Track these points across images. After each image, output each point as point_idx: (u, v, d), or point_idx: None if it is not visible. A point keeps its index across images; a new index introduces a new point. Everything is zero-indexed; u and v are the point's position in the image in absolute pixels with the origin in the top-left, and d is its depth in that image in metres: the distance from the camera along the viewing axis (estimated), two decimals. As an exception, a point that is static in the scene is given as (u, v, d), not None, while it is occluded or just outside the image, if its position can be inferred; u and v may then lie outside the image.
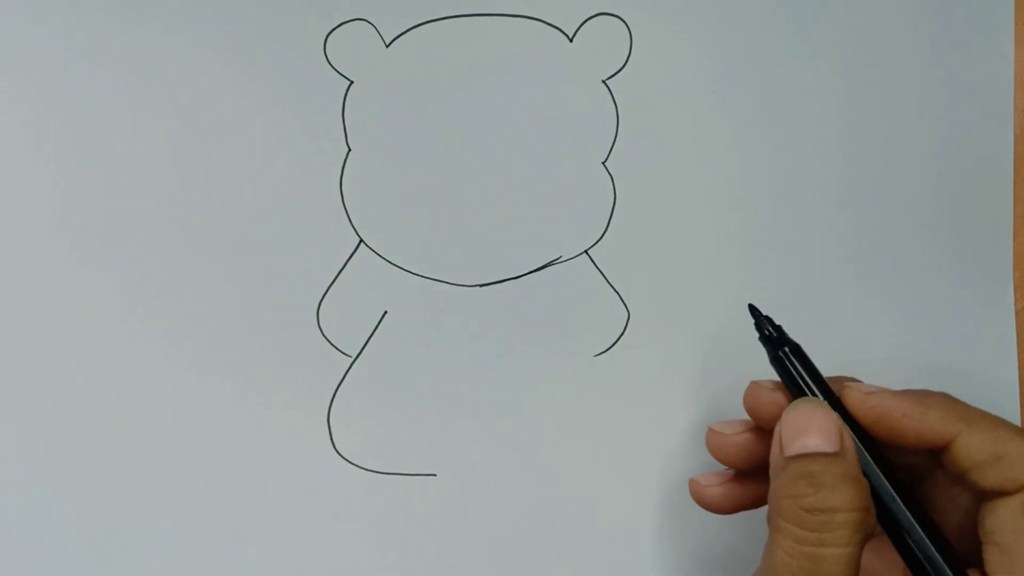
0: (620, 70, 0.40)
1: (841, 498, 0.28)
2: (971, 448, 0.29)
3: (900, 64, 0.41)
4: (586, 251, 0.40)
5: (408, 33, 0.40)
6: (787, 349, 0.33)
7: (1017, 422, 0.40)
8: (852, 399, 0.31)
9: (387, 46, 0.40)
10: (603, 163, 0.40)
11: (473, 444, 0.40)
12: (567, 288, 0.40)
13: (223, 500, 0.39)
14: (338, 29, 0.40)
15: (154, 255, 0.39)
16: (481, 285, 0.40)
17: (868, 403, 0.31)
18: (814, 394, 0.32)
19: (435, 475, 0.39)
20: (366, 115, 0.40)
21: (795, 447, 0.30)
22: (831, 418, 0.30)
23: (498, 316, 0.40)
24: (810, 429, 0.30)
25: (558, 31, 0.40)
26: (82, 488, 0.39)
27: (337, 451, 0.39)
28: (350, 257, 0.40)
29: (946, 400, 0.31)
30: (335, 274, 0.40)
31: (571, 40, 0.40)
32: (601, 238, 0.40)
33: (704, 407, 0.40)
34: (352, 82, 0.40)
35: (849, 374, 0.40)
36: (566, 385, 0.40)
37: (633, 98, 0.40)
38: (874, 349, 0.40)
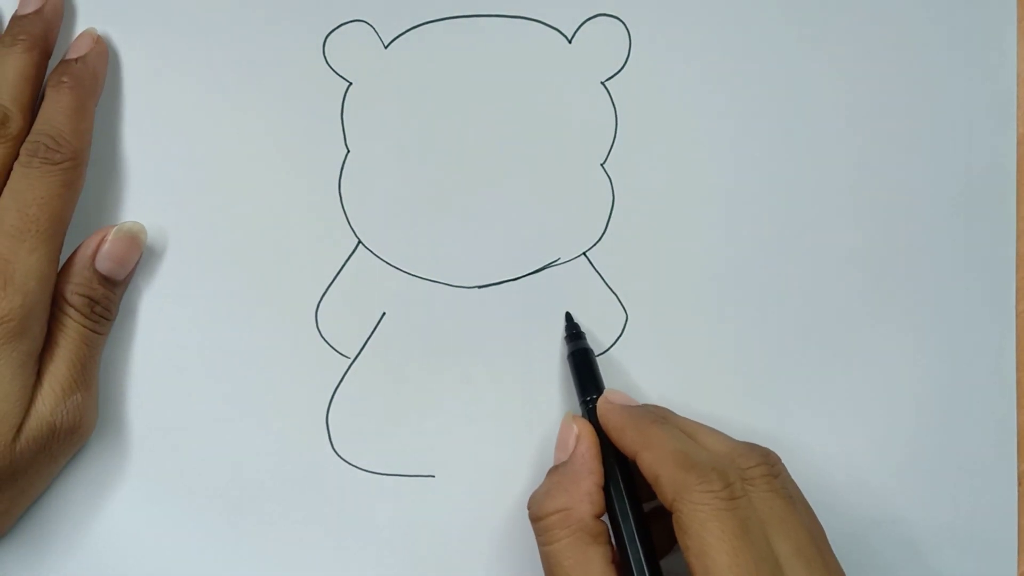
0: (619, 71, 0.40)
1: (552, 503, 0.35)
2: (643, 468, 0.34)
3: (901, 65, 0.41)
4: (584, 253, 0.40)
5: (407, 34, 0.40)
6: (576, 352, 0.38)
7: (1014, 423, 0.40)
8: (598, 408, 0.37)
9: (386, 47, 0.40)
10: (602, 165, 0.40)
11: (471, 445, 0.40)
12: (565, 290, 0.40)
13: (222, 500, 0.39)
14: (337, 30, 0.40)
15: (153, 255, 0.39)
16: (479, 287, 0.40)
17: (602, 414, 0.36)
18: (585, 398, 0.38)
19: (433, 476, 0.40)
20: (365, 116, 0.40)
21: (554, 456, 0.37)
22: (569, 430, 0.36)
23: (496, 318, 0.40)
24: (558, 443, 0.37)
25: (557, 32, 0.40)
26: (81, 488, 0.39)
27: (336, 452, 0.39)
28: (348, 258, 0.40)
29: (646, 418, 0.35)
30: (333, 275, 0.40)
31: (570, 41, 0.40)
32: (599, 240, 0.40)
33: (703, 408, 0.40)
34: (351, 83, 0.40)
35: (849, 374, 0.40)
36: (565, 386, 0.40)
37: (632, 100, 0.40)
38: (874, 349, 0.40)
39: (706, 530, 0.31)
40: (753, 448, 0.35)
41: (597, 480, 0.35)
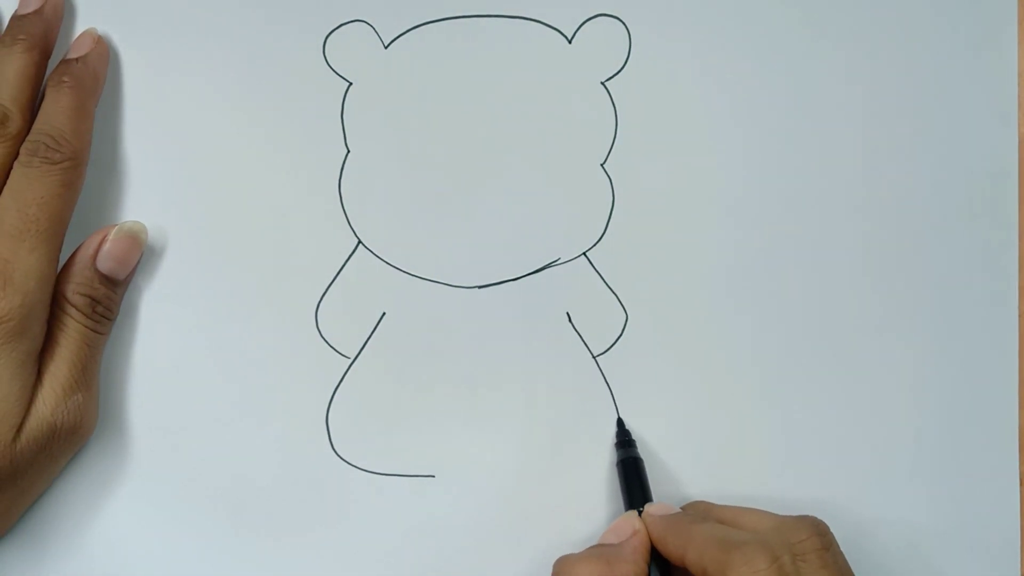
0: (619, 72, 0.40)
1: (587, 568, 0.34)
2: (691, 567, 0.34)
3: (901, 66, 0.41)
4: (584, 253, 0.40)
5: (407, 34, 0.40)
6: (626, 460, 0.38)
7: (1016, 424, 0.40)
8: (644, 515, 0.37)
9: (386, 47, 0.40)
10: (602, 165, 0.40)
11: (471, 445, 0.40)
12: (565, 290, 0.40)
13: (222, 500, 0.39)
14: (337, 31, 0.40)
15: (153, 255, 0.39)
16: (480, 287, 0.40)
17: (648, 522, 0.36)
18: (635, 503, 0.38)
19: (433, 476, 0.40)
20: (365, 117, 0.40)
21: (600, 538, 0.37)
22: (629, 521, 0.36)
23: (496, 318, 0.40)
24: (611, 529, 0.37)
25: (557, 32, 0.40)
26: (81, 489, 0.39)
27: (336, 452, 0.39)
28: (348, 258, 0.40)
29: (685, 520, 0.35)
30: (333, 275, 0.40)
31: (570, 41, 0.40)
32: (600, 240, 0.40)
33: (703, 408, 0.40)
34: (351, 83, 0.40)
35: (850, 374, 0.40)
36: (564, 387, 0.40)
37: (632, 100, 0.40)
38: (875, 349, 0.40)
39: None
40: (802, 520, 0.35)
41: (638, 572, 0.35)
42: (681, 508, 0.38)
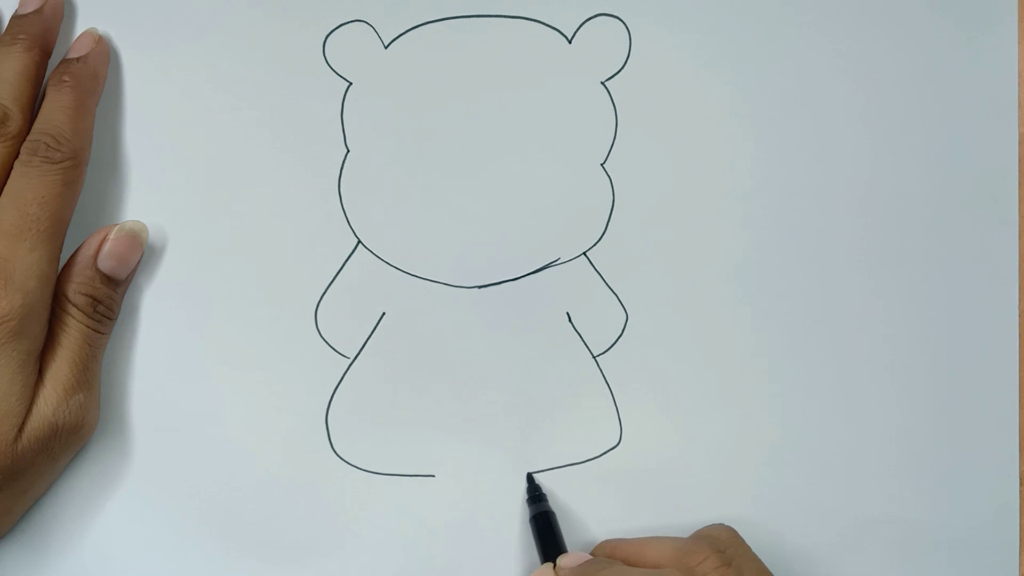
0: (619, 71, 0.40)
1: None
2: None
3: (901, 65, 0.41)
4: (584, 253, 0.40)
5: (407, 34, 0.40)
6: (538, 515, 0.38)
7: (1016, 424, 0.40)
8: (558, 568, 0.37)
9: (386, 47, 0.40)
10: (602, 165, 0.40)
11: (471, 445, 0.40)
12: (565, 290, 0.40)
13: (222, 500, 0.39)
14: (337, 30, 0.40)
15: (154, 255, 0.39)
16: (479, 287, 0.40)
17: (561, 575, 0.37)
18: (549, 556, 0.38)
19: (433, 476, 0.40)
20: (365, 116, 0.40)
21: None
22: (544, 575, 0.37)
23: (496, 318, 0.40)
24: None
25: (557, 32, 0.40)
26: (82, 488, 0.39)
27: (335, 452, 0.39)
28: (348, 258, 0.40)
29: (591, 569, 0.36)
30: (333, 275, 0.40)
31: (570, 41, 0.40)
32: (600, 240, 0.40)
33: (703, 408, 0.40)
34: (351, 83, 0.40)
35: (850, 373, 0.40)
36: (564, 387, 0.40)
37: (632, 99, 0.40)
38: (876, 349, 0.40)
39: None
40: (699, 542, 0.36)
41: None
42: (591, 552, 0.39)
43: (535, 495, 0.39)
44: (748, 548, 0.36)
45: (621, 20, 0.40)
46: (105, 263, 0.37)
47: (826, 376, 0.40)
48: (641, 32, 0.40)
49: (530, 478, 0.39)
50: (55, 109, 0.37)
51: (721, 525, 0.37)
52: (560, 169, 0.40)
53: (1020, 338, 0.40)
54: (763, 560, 0.36)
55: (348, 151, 0.40)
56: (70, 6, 0.39)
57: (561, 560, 0.37)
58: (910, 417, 0.40)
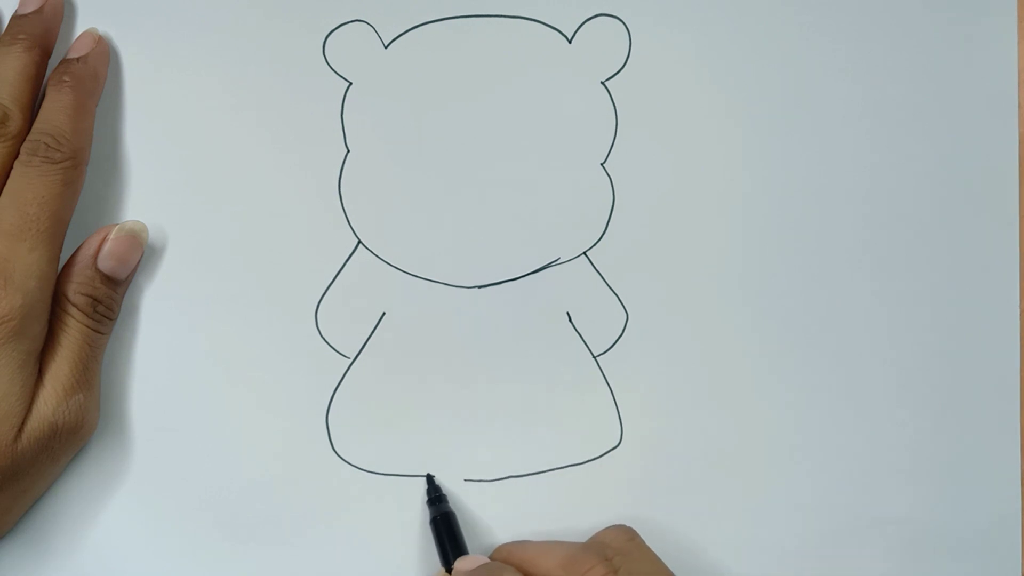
0: (619, 71, 0.40)
1: None
2: None
3: (901, 65, 0.41)
4: (585, 253, 0.40)
5: (407, 34, 0.40)
6: (441, 516, 0.38)
7: (1017, 424, 0.40)
8: (454, 572, 0.37)
9: (386, 47, 0.40)
10: (602, 164, 0.40)
11: (471, 446, 0.40)
12: (565, 290, 0.40)
13: (223, 500, 0.39)
14: (337, 30, 0.40)
15: (154, 255, 0.39)
16: (480, 287, 0.40)
17: None
18: (448, 559, 0.38)
19: (434, 476, 0.40)
20: (365, 116, 0.40)
21: None
22: None
23: (496, 318, 0.40)
24: None
25: (557, 32, 0.40)
26: (81, 488, 0.39)
27: (336, 452, 0.39)
28: (348, 258, 0.40)
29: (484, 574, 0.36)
30: (333, 275, 0.40)
31: (570, 41, 0.40)
32: (600, 240, 0.40)
33: (703, 408, 0.40)
34: (351, 83, 0.40)
35: (850, 373, 0.40)
36: (564, 387, 0.40)
37: (632, 99, 0.40)
38: (876, 348, 0.40)
39: None
40: (588, 548, 0.36)
41: None
42: (490, 556, 0.39)
43: (435, 496, 0.39)
44: (644, 549, 0.36)
45: (621, 20, 0.40)
46: (105, 263, 0.37)
47: (826, 376, 0.40)
48: (641, 32, 0.40)
49: (430, 479, 0.39)
50: (55, 109, 0.37)
51: (619, 527, 0.37)
52: (560, 169, 0.40)
53: (1020, 338, 0.40)
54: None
55: (348, 151, 0.40)
56: (70, 6, 0.39)
57: (458, 563, 0.37)
58: (911, 417, 0.40)
